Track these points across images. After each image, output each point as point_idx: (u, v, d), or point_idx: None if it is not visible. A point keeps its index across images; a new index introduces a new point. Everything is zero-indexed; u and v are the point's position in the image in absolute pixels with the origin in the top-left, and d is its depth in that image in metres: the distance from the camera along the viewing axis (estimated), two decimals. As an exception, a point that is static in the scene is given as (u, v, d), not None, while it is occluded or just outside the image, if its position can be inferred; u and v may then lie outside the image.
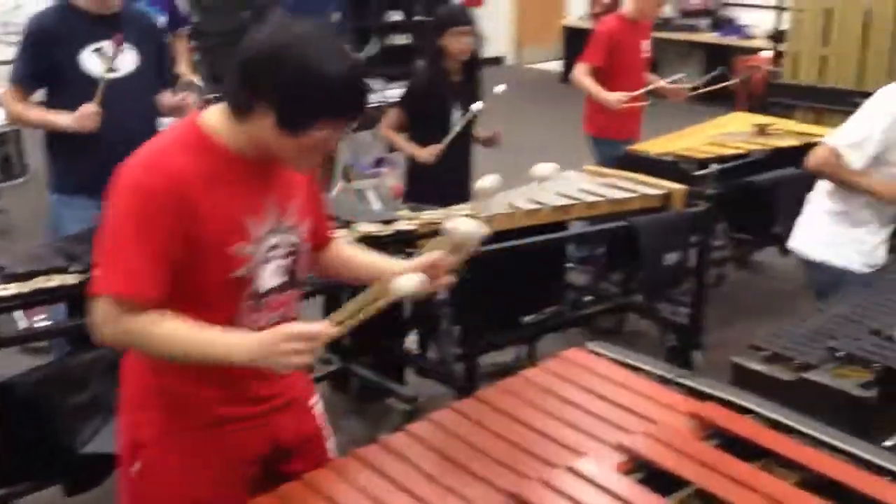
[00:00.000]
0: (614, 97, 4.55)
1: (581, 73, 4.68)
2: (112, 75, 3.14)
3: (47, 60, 3.14)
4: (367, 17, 9.39)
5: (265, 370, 1.64)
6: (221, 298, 1.72)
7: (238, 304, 1.74)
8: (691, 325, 3.96)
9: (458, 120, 3.92)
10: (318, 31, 1.64)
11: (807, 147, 3.38)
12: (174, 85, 3.54)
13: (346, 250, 2.06)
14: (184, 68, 4.93)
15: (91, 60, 3.16)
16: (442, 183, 3.81)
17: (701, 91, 5.11)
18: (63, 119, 3.12)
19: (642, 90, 4.64)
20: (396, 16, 9.96)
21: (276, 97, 1.59)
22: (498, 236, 3.30)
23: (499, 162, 4.00)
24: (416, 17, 9.91)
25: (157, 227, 1.62)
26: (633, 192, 3.82)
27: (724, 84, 5.17)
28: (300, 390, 1.96)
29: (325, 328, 1.64)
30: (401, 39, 9.85)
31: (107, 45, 3.16)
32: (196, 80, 4.85)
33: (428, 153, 3.88)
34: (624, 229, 3.68)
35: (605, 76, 4.63)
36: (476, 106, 3.88)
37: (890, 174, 3.07)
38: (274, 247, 1.77)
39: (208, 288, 1.70)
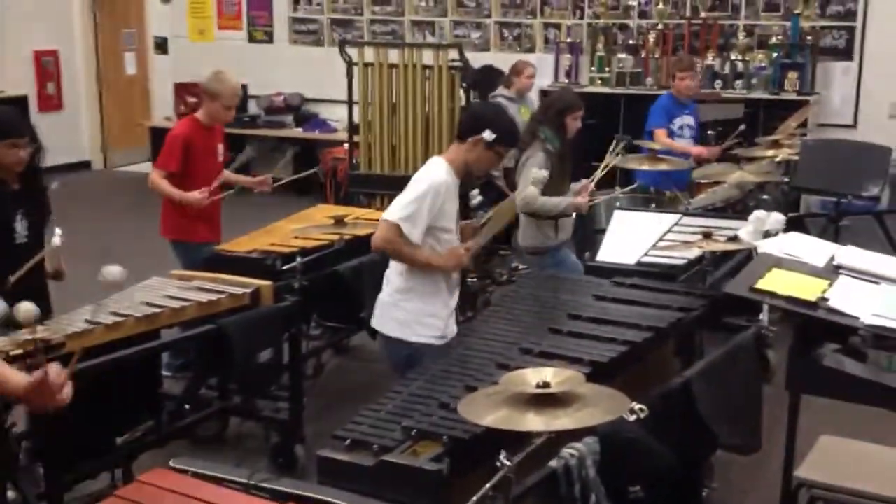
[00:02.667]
0: (195, 195, 4.60)
1: (157, 177, 4.66)
2: None
3: None
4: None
5: None
6: None
7: None
8: (291, 420, 4.00)
9: (22, 232, 3.62)
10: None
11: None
12: None
13: None
14: None
15: None
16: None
17: (286, 181, 5.30)
18: None
19: (219, 182, 4.74)
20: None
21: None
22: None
23: (92, 272, 3.74)
24: None
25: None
26: (221, 292, 3.81)
27: (304, 175, 5.43)
28: None
29: None
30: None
31: None
32: None
33: None
34: (214, 331, 3.64)
35: (181, 180, 4.64)
36: (56, 240, 3.61)
37: (446, 241, 3.35)
38: None
39: None
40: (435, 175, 3.33)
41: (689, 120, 6.22)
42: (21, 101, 9.91)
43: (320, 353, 4.97)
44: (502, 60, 7.99)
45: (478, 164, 3.41)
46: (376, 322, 3.50)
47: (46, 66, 10.53)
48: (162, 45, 10.70)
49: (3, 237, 3.60)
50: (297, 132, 9.67)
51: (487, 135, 3.29)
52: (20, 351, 2.88)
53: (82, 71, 10.91)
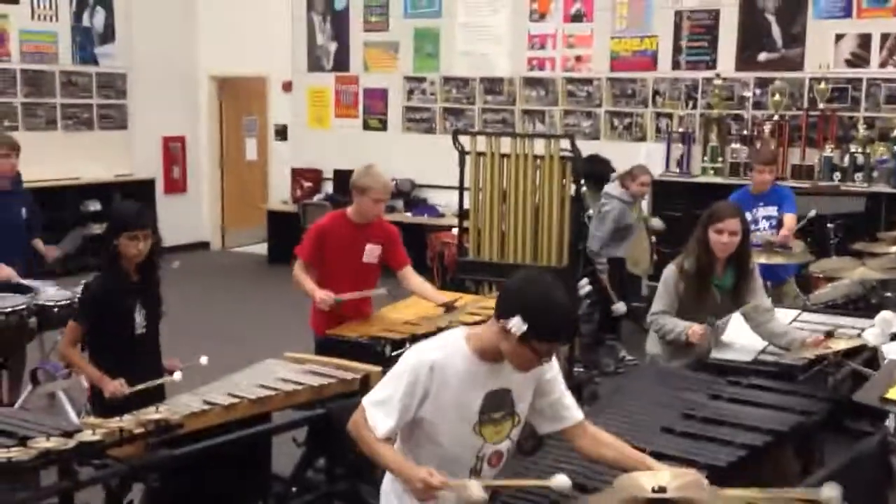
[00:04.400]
0: (319, 294, 4.47)
1: (298, 266, 4.62)
2: None
3: None
4: (63, 208, 9.07)
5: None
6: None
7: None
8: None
9: (141, 323, 3.81)
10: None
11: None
12: None
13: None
14: None
15: None
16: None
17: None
18: None
19: (350, 296, 4.53)
20: (95, 205, 9.83)
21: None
22: (194, 436, 3.24)
23: (205, 351, 3.91)
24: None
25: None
26: (332, 377, 3.86)
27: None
28: None
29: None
30: (99, 229, 9.55)
31: None
32: None
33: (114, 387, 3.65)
34: (324, 415, 3.68)
35: (321, 272, 4.57)
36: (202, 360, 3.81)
37: (430, 437, 2.52)
38: None
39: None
40: (425, 354, 2.50)
41: (767, 212, 5.97)
42: (148, 185, 10.49)
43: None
44: (612, 149, 8.03)
45: (512, 359, 2.43)
46: None
47: (173, 151, 11.11)
48: (282, 132, 11.16)
49: (124, 327, 3.78)
50: (407, 216, 9.87)
51: (516, 324, 2.33)
52: (142, 430, 2.97)
53: (206, 156, 11.46)
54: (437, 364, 2.44)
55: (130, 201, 4.38)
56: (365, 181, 4.51)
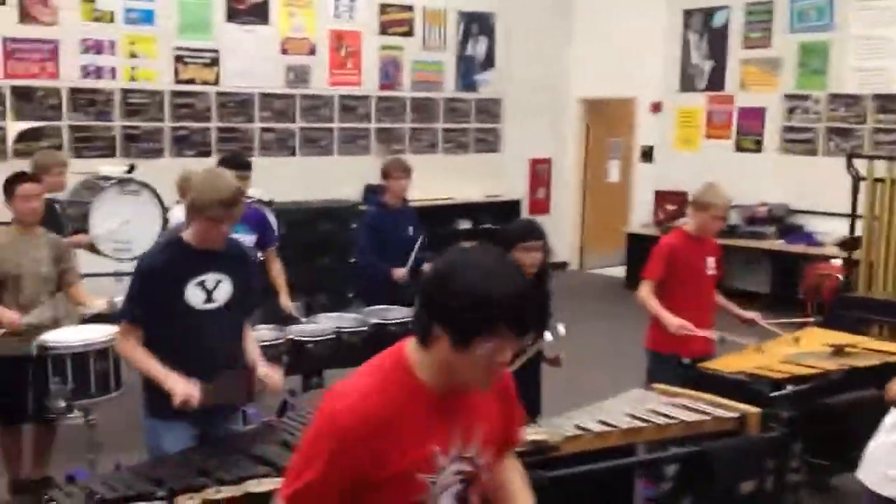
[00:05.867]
0: (675, 323, 4.46)
1: (645, 291, 4.64)
2: (208, 306, 3.30)
3: (156, 297, 3.25)
4: (438, 226, 9.65)
5: None
6: None
7: None
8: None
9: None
10: (483, 253, 1.81)
11: (886, 367, 3.20)
12: (259, 306, 3.64)
13: (506, 473, 2.10)
14: (283, 297, 5.23)
15: (194, 293, 3.28)
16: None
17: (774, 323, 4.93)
18: (170, 383, 3.18)
19: (707, 334, 4.51)
20: (466, 224, 10.31)
21: (446, 316, 1.74)
22: (565, 460, 3.21)
23: (559, 373, 3.91)
24: (484, 225, 10.22)
25: (341, 466, 1.76)
26: (707, 413, 3.66)
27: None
28: None
29: None
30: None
31: (209, 277, 3.30)
32: (294, 309, 5.08)
33: None
34: (698, 454, 3.49)
35: (666, 291, 4.59)
36: (560, 330, 3.85)
37: None
38: (455, 473, 1.87)
39: None
40: None
41: None
42: (514, 205, 10.85)
43: (798, 490, 4.54)
44: None
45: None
46: (865, 474, 3.09)
47: (540, 173, 11.41)
48: (647, 154, 11.01)
49: None
50: (779, 244, 9.25)
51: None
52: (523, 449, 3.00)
53: (570, 177, 11.64)
54: None
55: (526, 217, 4.58)
56: (707, 198, 4.64)
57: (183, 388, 3.15)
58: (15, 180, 4.45)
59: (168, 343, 3.25)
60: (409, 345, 1.86)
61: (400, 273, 5.60)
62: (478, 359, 1.76)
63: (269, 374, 3.49)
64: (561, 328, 3.88)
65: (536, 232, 3.90)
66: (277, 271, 5.34)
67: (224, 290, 3.35)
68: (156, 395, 3.25)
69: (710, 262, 4.75)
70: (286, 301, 5.21)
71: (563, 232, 11.54)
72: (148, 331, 3.28)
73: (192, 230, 3.31)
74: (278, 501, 1.86)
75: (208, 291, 3.30)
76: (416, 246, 5.73)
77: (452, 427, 1.86)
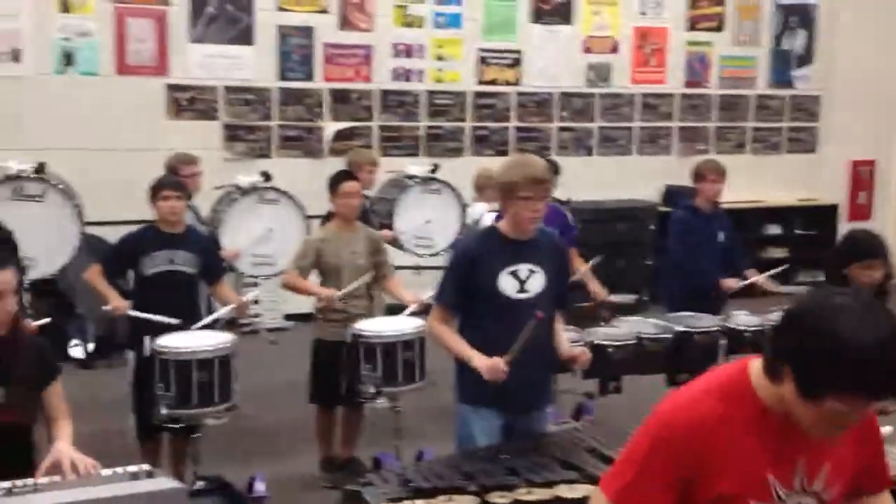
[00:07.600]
0: None
1: None
2: (521, 296, 3.27)
3: (469, 283, 3.29)
4: (744, 230, 9.11)
5: None
6: None
7: None
8: None
9: None
10: (854, 300, 1.60)
11: None
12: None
13: None
14: (595, 287, 5.46)
15: (506, 282, 3.26)
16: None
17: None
18: (476, 360, 3.20)
19: None
20: (775, 229, 9.72)
21: (796, 363, 1.59)
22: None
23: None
24: (796, 231, 9.63)
25: (664, 469, 1.70)
26: None
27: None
28: None
29: None
30: (778, 252, 9.38)
31: (521, 267, 3.27)
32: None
33: None
34: None
35: None
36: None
37: None
38: None
39: None
40: None
41: None
42: (831, 210, 9.98)
43: None
44: None
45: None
46: None
47: (862, 176, 10.40)
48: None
49: None
50: None
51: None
52: None
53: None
54: None
55: (864, 230, 4.09)
56: None
57: (488, 363, 3.15)
58: (339, 178, 4.72)
59: (480, 331, 3.27)
60: (754, 365, 1.74)
61: (731, 283, 5.30)
62: (825, 414, 1.59)
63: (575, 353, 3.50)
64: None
65: (878, 248, 3.56)
66: (578, 264, 5.31)
67: (537, 281, 3.31)
68: (468, 382, 3.29)
69: None
70: (598, 289, 5.45)
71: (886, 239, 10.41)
72: (461, 316, 3.33)
73: (507, 217, 3.30)
74: (598, 497, 1.82)
75: (521, 281, 3.27)
76: (736, 253, 5.44)
77: (795, 458, 1.72)
